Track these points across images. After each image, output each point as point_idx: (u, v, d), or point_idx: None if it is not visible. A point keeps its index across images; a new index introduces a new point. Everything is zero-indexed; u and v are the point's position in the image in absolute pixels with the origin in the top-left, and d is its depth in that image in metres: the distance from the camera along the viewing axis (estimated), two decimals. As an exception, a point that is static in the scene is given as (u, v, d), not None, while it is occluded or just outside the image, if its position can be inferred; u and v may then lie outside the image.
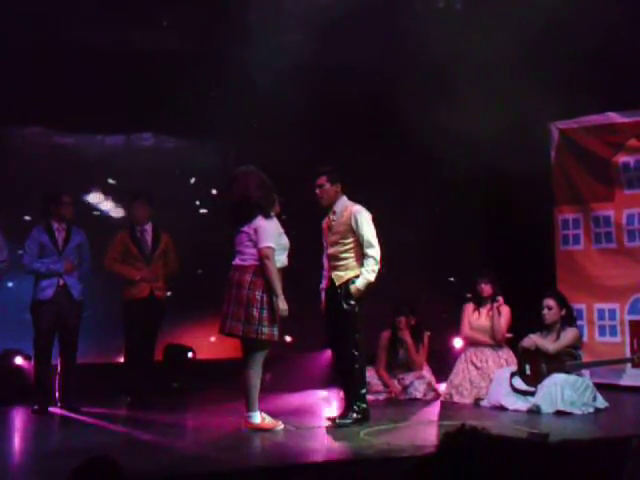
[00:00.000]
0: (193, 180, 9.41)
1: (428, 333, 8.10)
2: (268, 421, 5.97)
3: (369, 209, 6.41)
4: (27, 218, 8.33)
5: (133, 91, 7.97)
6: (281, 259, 6.11)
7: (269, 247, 5.92)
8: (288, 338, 8.86)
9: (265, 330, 5.85)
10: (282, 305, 5.90)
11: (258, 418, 5.93)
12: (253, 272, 5.92)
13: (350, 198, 6.48)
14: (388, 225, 6.68)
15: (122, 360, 7.66)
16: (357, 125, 9.00)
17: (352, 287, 6.17)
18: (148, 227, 7.58)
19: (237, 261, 6.03)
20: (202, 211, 8.75)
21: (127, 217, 7.61)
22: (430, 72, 7.91)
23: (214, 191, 9.26)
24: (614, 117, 8.26)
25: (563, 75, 7.84)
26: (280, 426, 5.98)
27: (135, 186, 7.97)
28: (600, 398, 6.83)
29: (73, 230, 7.35)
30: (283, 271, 6.12)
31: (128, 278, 7.43)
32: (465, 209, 10.02)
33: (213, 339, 8.65)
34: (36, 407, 6.96)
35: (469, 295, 8.04)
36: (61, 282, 7.16)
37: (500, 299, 7.73)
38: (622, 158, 8.20)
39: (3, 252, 7.10)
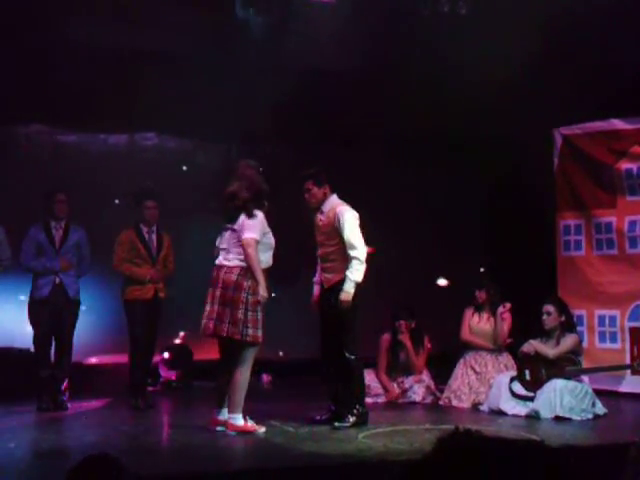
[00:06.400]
0: (195, 179, 9.41)
1: (428, 337, 8.08)
2: (251, 424, 5.90)
3: (366, 213, 6.39)
4: (29, 217, 8.31)
5: (137, 91, 7.96)
6: (266, 258, 6.05)
7: (252, 238, 5.87)
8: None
9: (250, 332, 5.80)
10: (262, 292, 5.85)
11: (241, 420, 5.87)
12: (238, 273, 5.87)
13: (343, 198, 6.44)
14: (389, 230, 6.66)
15: (119, 359, 7.56)
16: (357, 127, 8.99)
17: (341, 295, 6.13)
18: (154, 227, 7.46)
19: (221, 260, 5.99)
20: (204, 210, 8.72)
21: (133, 216, 7.45)
22: (430, 76, 7.90)
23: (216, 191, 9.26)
24: (618, 124, 8.26)
25: (567, 81, 7.84)
26: (262, 429, 5.93)
27: (139, 186, 7.92)
28: (599, 404, 6.82)
29: (71, 228, 7.32)
30: (267, 270, 6.08)
31: (138, 279, 7.25)
32: (467, 213, 10.02)
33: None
34: (39, 405, 6.95)
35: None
36: (57, 280, 7.14)
37: (508, 305, 7.70)
38: (625, 165, 8.19)
39: (6, 251, 7.10)
